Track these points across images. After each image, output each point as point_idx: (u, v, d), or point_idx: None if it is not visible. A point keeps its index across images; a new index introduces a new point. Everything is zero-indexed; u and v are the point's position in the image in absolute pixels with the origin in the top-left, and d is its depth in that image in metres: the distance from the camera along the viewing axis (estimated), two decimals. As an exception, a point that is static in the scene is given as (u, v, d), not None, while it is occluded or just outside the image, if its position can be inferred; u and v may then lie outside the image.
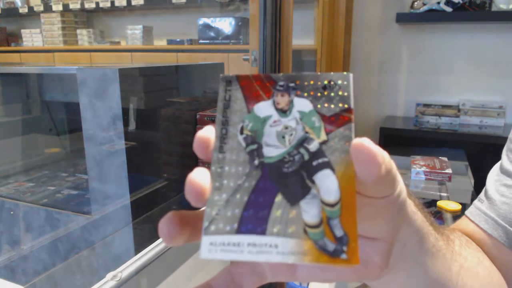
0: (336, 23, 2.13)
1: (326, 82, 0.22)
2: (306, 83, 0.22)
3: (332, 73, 0.22)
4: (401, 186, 0.24)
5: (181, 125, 1.03)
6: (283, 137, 0.22)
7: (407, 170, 1.29)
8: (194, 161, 1.07)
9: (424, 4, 2.14)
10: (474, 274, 0.37)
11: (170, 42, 2.92)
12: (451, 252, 0.34)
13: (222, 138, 0.22)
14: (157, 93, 0.96)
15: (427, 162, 1.27)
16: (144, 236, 0.85)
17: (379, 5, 2.38)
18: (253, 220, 0.20)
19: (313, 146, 0.21)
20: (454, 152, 1.85)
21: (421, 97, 2.37)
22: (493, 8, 2.07)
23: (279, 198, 0.20)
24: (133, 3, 2.96)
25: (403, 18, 2.21)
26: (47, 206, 1.02)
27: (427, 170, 1.20)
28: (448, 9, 2.07)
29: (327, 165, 0.20)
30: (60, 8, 3.28)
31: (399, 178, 0.23)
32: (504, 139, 0.50)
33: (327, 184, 0.20)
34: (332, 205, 0.20)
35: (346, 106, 0.21)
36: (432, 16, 2.15)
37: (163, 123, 0.97)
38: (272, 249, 0.19)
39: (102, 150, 0.88)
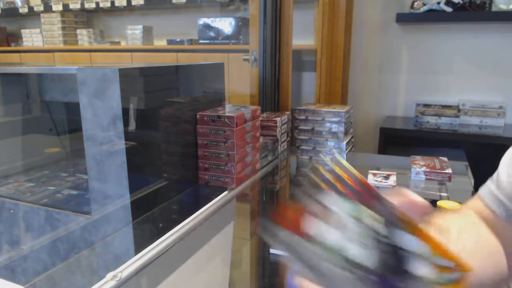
0: (336, 23, 2.13)
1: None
2: None
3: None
4: None
5: (181, 125, 1.03)
6: None
7: (407, 170, 1.28)
8: (194, 161, 1.07)
9: (424, 4, 2.14)
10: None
11: (170, 42, 2.92)
12: None
13: None
14: (157, 93, 0.96)
15: (427, 162, 1.27)
16: (144, 236, 0.85)
17: (379, 5, 2.38)
18: None
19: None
20: (454, 152, 1.85)
21: (421, 97, 2.37)
22: (493, 8, 2.07)
23: None
24: (133, 3, 2.95)
25: (403, 18, 2.21)
26: (47, 206, 1.02)
27: (427, 170, 1.20)
28: (448, 9, 2.07)
29: None
30: (60, 8, 3.28)
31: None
32: (504, 139, 0.52)
33: None
34: None
35: None
36: (432, 16, 2.15)
37: (163, 123, 0.97)
38: None
39: (102, 150, 0.88)
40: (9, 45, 3.70)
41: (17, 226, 1.06)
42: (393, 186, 1.12)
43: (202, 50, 2.72)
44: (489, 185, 0.51)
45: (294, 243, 0.23)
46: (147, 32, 3.04)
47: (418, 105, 2.30)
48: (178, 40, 2.87)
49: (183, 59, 2.71)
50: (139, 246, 0.76)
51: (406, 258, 0.22)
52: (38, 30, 3.46)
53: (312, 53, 2.25)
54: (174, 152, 1.00)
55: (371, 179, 1.19)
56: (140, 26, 3.00)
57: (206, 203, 0.97)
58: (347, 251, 0.21)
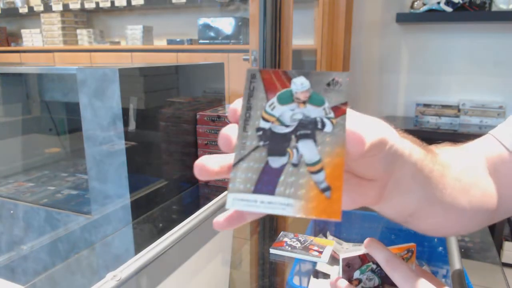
0: (336, 23, 2.13)
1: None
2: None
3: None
4: (391, 143, 0.31)
5: (181, 125, 1.03)
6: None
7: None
8: (194, 161, 1.07)
9: (424, 4, 2.14)
10: (465, 189, 0.42)
11: (170, 42, 2.92)
12: (443, 179, 0.39)
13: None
14: (157, 93, 0.96)
15: (427, 162, 1.27)
16: (144, 236, 0.85)
17: (379, 5, 2.38)
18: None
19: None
20: (454, 152, 1.84)
21: (421, 97, 2.37)
22: (493, 8, 2.07)
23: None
24: (133, 3, 2.96)
25: (403, 18, 2.21)
26: (47, 206, 1.02)
27: (427, 170, 1.20)
28: (448, 9, 2.07)
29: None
30: (60, 8, 3.29)
31: (390, 138, 0.30)
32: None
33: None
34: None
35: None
36: (432, 16, 2.15)
37: (163, 123, 0.97)
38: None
39: (102, 150, 0.88)
40: (9, 45, 3.70)
41: (17, 226, 1.06)
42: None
43: (202, 50, 2.72)
44: (506, 129, 0.47)
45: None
46: (147, 32, 3.04)
47: (418, 105, 2.30)
48: (178, 40, 2.87)
49: (183, 59, 2.71)
50: (139, 246, 0.76)
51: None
52: (38, 30, 3.46)
53: (312, 53, 2.25)
54: (174, 152, 1.00)
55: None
56: (140, 26, 3.00)
57: (206, 203, 0.97)
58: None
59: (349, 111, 0.28)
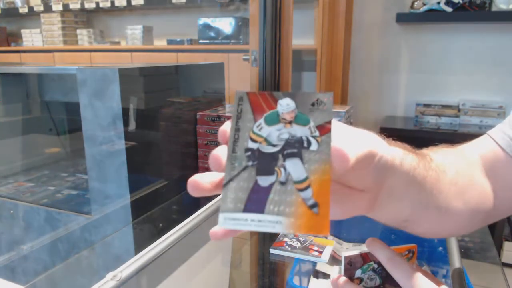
0: (336, 23, 2.13)
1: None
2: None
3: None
4: (380, 155, 0.31)
5: (181, 125, 1.03)
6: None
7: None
8: (194, 161, 1.07)
9: (424, 4, 2.14)
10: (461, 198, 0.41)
11: (170, 42, 2.92)
12: (438, 184, 0.39)
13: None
14: (157, 93, 0.96)
15: (427, 162, 1.27)
16: (144, 236, 0.85)
17: (379, 5, 2.38)
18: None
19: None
20: (454, 152, 1.84)
21: (421, 97, 2.37)
22: (493, 8, 2.07)
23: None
24: (133, 3, 2.96)
25: (403, 18, 2.21)
26: (47, 206, 1.02)
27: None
28: (448, 9, 2.07)
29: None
30: (60, 8, 3.29)
31: (378, 150, 0.31)
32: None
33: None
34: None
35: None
36: (432, 16, 2.15)
37: (163, 123, 0.97)
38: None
39: (102, 150, 0.88)
40: (9, 45, 3.70)
41: (17, 226, 1.06)
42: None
43: (202, 50, 2.72)
44: (500, 126, 0.47)
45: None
46: (147, 32, 3.04)
47: (418, 105, 2.30)
48: (178, 40, 2.87)
49: (183, 59, 2.71)
50: (139, 246, 0.76)
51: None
52: (38, 30, 3.46)
53: (312, 53, 2.25)
54: (174, 152, 1.00)
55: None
56: (140, 26, 3.00)
57: (206, 203, 0.97)
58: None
59: (338, 125, 0.29)
